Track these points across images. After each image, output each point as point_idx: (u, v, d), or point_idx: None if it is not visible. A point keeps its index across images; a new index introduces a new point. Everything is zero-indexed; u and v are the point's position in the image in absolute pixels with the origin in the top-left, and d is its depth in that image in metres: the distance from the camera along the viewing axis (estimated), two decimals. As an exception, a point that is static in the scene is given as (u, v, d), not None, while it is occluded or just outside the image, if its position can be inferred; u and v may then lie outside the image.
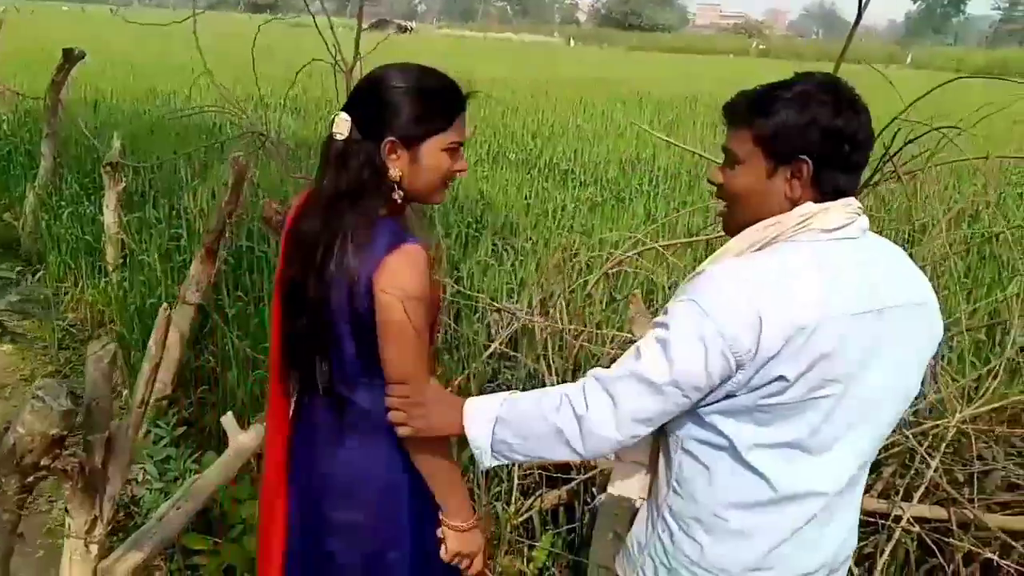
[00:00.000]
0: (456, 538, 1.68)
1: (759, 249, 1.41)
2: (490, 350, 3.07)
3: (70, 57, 6.16)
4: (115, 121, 8.27)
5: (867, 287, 1.38)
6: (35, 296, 5.15)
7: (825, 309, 1.33)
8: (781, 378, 1.33)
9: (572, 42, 68.04)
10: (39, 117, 6.85)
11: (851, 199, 1.41)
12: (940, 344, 1.53)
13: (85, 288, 4.90)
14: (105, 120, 8.41)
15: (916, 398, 1.59)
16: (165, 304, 1.99)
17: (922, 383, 2.54)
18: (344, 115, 1.55)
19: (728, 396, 1.38)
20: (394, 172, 1.54)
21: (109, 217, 4.86)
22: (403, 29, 68.26)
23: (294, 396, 1.75)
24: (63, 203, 5.61)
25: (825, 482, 1.43)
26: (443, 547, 1.69)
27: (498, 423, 1.50)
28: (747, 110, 1.43)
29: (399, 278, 1.50)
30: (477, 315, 3.53)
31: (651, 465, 1.61)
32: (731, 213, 1.49)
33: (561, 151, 9.22)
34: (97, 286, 4.80)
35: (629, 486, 1.64)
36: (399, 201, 1.57)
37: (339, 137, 1.54)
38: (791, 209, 1.41)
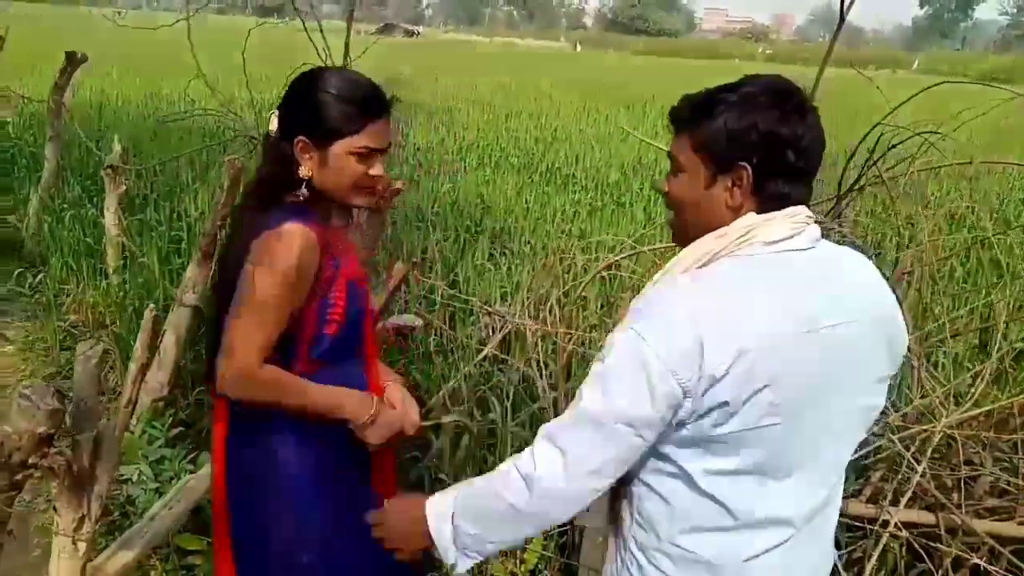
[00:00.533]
0: (372, 431, 1.71)
1: (703, 265, 1.33)
2: (482, 354, 3.08)
3: (73, 60, 6.20)
4: (119, 124, 8.32)
5: (816, 304, 1.29)
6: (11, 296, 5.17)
7: (769, 329, 1.24)
8: (725, 403, 1.24)
9: (578, 47, 68.14)
10: (44, 120, 6.89)
11: (799, 208, 1.33)
12: (905, 356, 1.45)
13: (86, 290, 4.93)
14: (109, 123, 8.46)
15: (897, 404, 1.57)
16: (151, 306, 2.00)
17: (908, 388, 2.55)
18: (275, 112, 1.64)
19: (680, 426, 1.29)
20: (304, 170, 1.61)
21: (109, 220, 4.88)
22: (410, 33, 68.48)
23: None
24: (65, 206, 5.65)
25: (787, 508, 1.35)
26: (370, 445, 1.73)
27: (456, 517, 1.42)
28: (689, 115, 1.37)
29: (263, 249, 1.56)
30: (472, 318, 3.54)
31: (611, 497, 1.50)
32: (678, 222, 1.42)
33: (563, 156, 9.24)
34: (98, 288, 4.82)
35: (593, 517, 1.61)
36: (302, 199, 1.62)
37: (271, 132, 1.65)
38: (734, 219, 1.33)
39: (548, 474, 1.32)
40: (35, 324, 4.93)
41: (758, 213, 1.32)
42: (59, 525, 1.88)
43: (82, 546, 1.91)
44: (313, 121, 1.59)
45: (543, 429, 1.37)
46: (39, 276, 5.05)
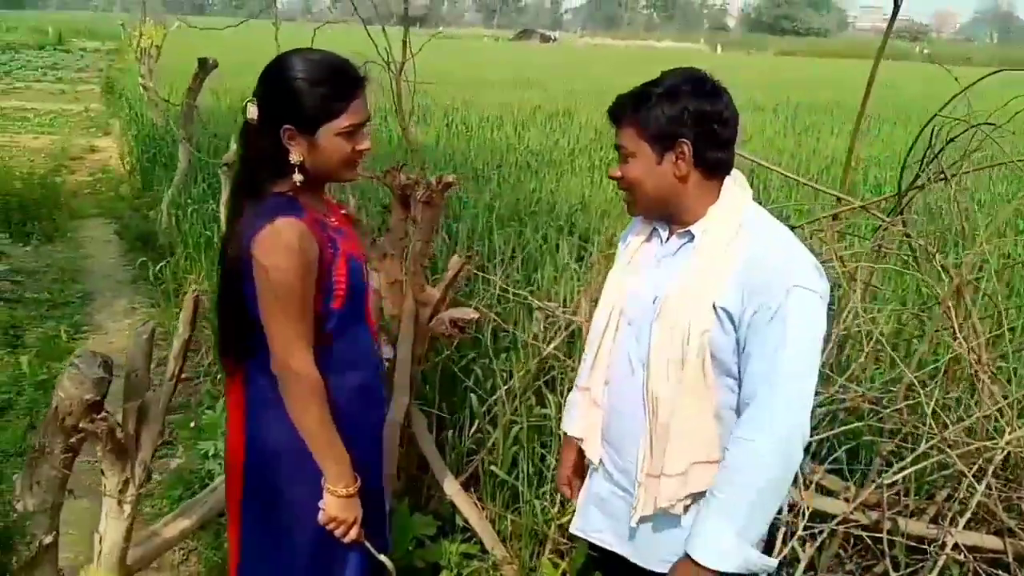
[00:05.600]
0: (335, 503, 1.75)
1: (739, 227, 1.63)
2: (544, 353, 3.08)
3: (204, 66, 6.69)
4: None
5: None
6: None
7: None
8: None
9: (719, 49, 66.52)
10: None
11: (737, 173, 1.70)
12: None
13: (204, 280, 5.29)
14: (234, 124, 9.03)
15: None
16: (193, 288, 2.14)
17: (972, 400, 2.36)
18: (253, 101, 1.68)
19: None
20: (295, 156, 1.67)
21: (224, 214, 5.22)
22: (546, 39, 69.00)
23: (242, 371, 1.84)
24: (190, 201, 6.07)
25: None
26: (321, 511, 1.76)
27: (743, 543, 1.56)
28: (627, 109, 1.66)
29: (266, 250, 1.63)
30: (545, 317, 3.53)
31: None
32: (636, 198, 1.71)
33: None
34: (212, 278, 5.17)
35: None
36: (299, 184, 1.68)
37: (251, 121, 1.69)
38: (683, 186, 1.65)
39: (799, 427, 1.56)
40: (158, 310, 5.34)
41: (705, 179, 1.66)
42: (106, 487, 2.04)
43: (127, 508, 2.06)
44: (297, 109, 1.65)
45: (773, 400, 1.55)
46: (160, 265, 5.44)
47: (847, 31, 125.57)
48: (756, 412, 1.57)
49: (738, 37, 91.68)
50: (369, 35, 2.97)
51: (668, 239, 1.73)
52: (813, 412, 1.88)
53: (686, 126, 1.61)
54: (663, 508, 1.68)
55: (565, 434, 1.99)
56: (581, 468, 1.99)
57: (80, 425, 1.91)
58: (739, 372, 1.63)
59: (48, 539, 1.93)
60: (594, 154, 9.01)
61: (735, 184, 1.70)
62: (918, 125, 2.24)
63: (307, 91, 1.64)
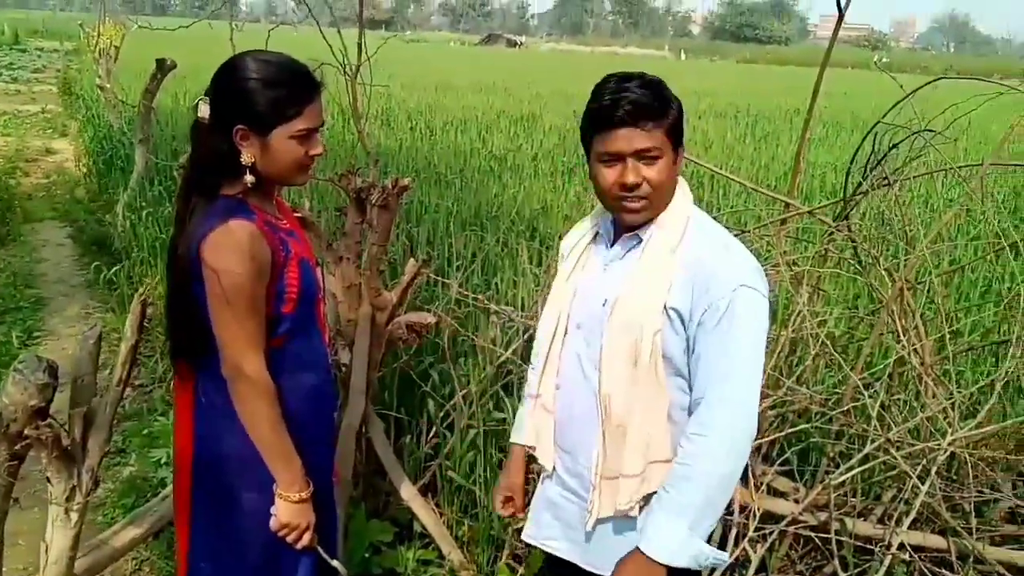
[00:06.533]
0: (287, 509, 1.75)
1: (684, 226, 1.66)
2: (502, 359, 3.09)
3: (162, 67, 6.60)
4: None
5: None
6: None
7: None
8: None
9: (683, 55, 67.21)
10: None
11: (680, 178, 1.72)
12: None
13: (159, 285, 5.21)
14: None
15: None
16: (140, 291, 2.11)
17: (916, 402, 2.41)
18: (205, 99, 1.67)
19: None
20: (246, 157, 1.65)
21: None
22: (512, 43, 69.17)
23: (193, 374, 1.82)
24: (145, 204, 5.98)
25: None
26: (273, 517, 1.75)
27: (693, 537, 1.58)
28: (659, 107, 1.59)
29: (216, 253, 1.61)
30: (503, 321, 3.54)
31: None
32: (651, 204, 1.64)
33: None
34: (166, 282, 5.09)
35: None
36: (249, 186, 1.67)
37: (202, 120, 1.67)
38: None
39: (749, 423, 1.58)
40: (112, 315, 5.25)
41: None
42: (52, 495, 2.00)
43: (74, 516, 2.02)
44: (251, 110, 1.63)
45: (723, 396, 1.57)
46: (114, 269, 5.35)
47: (808, 39, 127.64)
48: (708, 409, 1.59)
49: (702, 44, 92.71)
50: (324, 37, 2.96)
51: (614, 243, 1.75)
52: (764, 414, 1.92)
53: (681, 124, 1.64)
54: (621, 509, 1.69)
55: (513, 445, 1.99)
56: (526, 479, 2.00)
57: (25, 432, 1.88)
58: (689, 373, 1.66)
59: (-9, 548, 1.89)
60: (557, 159, 9.05)
61: (681, 187, 1.71)
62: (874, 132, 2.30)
63: (262, 92, 1.62)
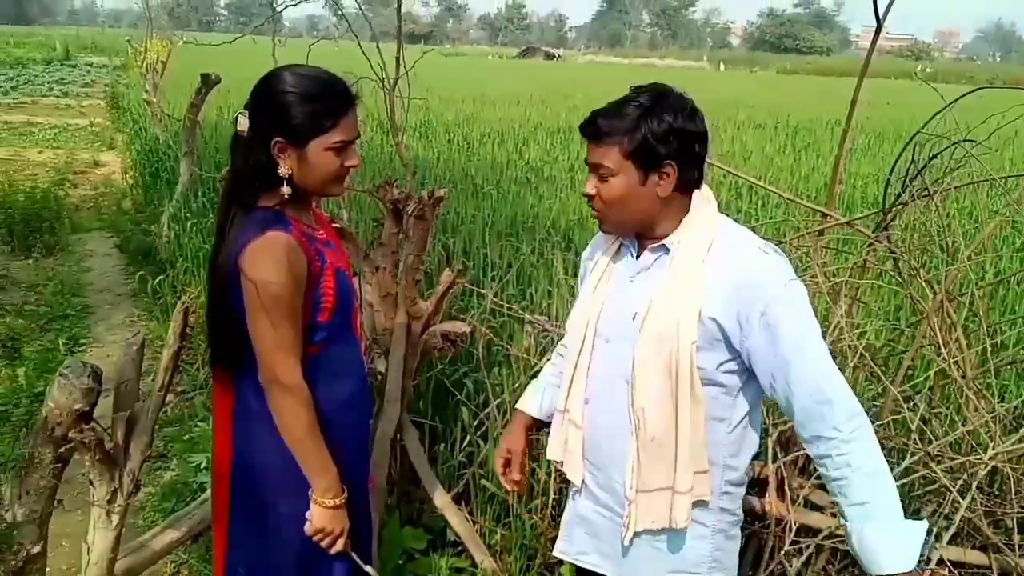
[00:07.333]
0: (321, 514, 1.76)
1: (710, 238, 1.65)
2: (536, 367, 3.09)
3: (207, 82, 6.75)
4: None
5: None
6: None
7: None
8: None
9: (722, 66, 66.80)
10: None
11: (704, 187, 1.71)
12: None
13: (202, 294, 5.32)
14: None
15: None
16: (183, 299, 2.16)
17: (956, 415, 2.37)
18: (244, 113, 1.70)
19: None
20: (283, 169, 1.68)
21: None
22: (550, 56, 69.43)
23: (232, 381, 1.85)
24: (189, 215, 6.11)
25: None
26: (307, 522, 1.77)
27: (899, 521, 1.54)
28: (609, 128, 1.61)
29: (254, 263, 1.64)
30: (537, 331, 3.55)
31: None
32: (608, 217, 1.69)
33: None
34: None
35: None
36: (286, 197, 1.70)
37: (241, 133, 1.71)
38: (663, 205, 1.65)
39: (859, 410, 1.56)
40: (156, 324, 5.36)
41: (681, 195, 1.67)
42: (94, 497, 2.05)
43: (115, 518, 2.07)
44: (288, 123, 1.67)
45: (828, 385, 1.56)
46: (158, 279, 5.47)
47: (850, 50, 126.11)
48: (822, 408, 1.55)
49: (741, 55, 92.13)
50: (363, 51, 3.01)
51: (640, 255, 1.74)
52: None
53: (672, 148, 1.60)
54: (679, 527, 1.67)
55: (517, 411, 2.06)
56: (528, 445, 2.04)
57: (69, 435, 1.93)
58: (738, 379, 1.66)
59: (36, 549, 1.94)
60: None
61: (703, 196, 1.71)
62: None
63: (299, 105, 1.66)
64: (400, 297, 2.83)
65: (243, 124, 1.70)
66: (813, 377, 1.56)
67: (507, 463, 2.04)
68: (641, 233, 1.72)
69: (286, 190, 1.70)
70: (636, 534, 1.72)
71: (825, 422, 1.55)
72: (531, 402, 2.05)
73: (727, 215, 1.75)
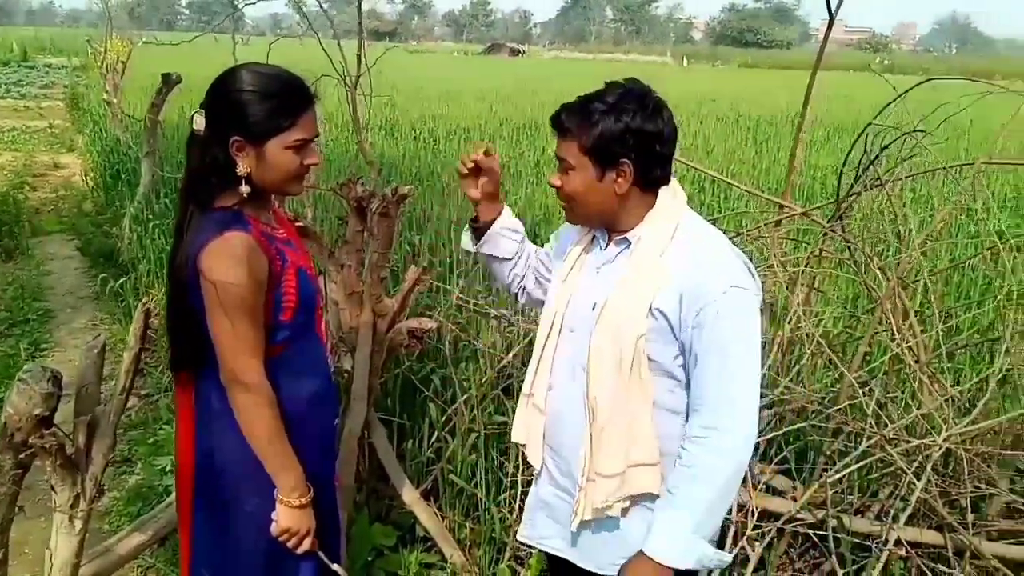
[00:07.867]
0: (288, 514, 1.77)
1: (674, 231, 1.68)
2: (503, 361, 3.12)
3: (168, 82, 6.66)
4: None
5: None
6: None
7: None
8: None
9: (686, 61, 67.26)
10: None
11: (673, 182, 1.73)
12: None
13: (165, 296, 5.25)
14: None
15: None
16: (144, 299, 2.14)
17: (911, 399, 2.43)
18: (200, 112, 1.69)
19: None
20: (242, 168, 1.68)
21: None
22: (515, 52, 69.41)
23: (193, 382, 1.85)
24: (151, 216, 6.03)
25: None
26: (274, 523, 1.77)
27: (698, 538, 1.61)
28: (571, 124, 1.65)
29: (213, 264, 1.64)
30: (503, 325, 3.57)
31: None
32: (572, 209, 1.74)
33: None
34: (171, 293, 5.13)
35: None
36: (245, 196, 1.69)
37: (198, 132, 1.69)
38: (622, 203, 1.68)
39: (750, 423, 1.59)
40: (119, 327, 5.29)
41: (642, 192, 1.68)
42: (56, 502, 2.03)
43: (78, 523, 2.04)
44: (246, 121, 1.66)
45: (725, 396, 1.60)
46: (120, 281, 5.39)
47: (809, 43, 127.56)
48: (709, 411, 1.61)
49: (704, 50, 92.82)
50: (323, 49, 3.00)
51: (607, 246, 1.77)
52: (761, 413, 1.93)
53: (628, 146, 1.62)
54: (598, 509, 1.71)
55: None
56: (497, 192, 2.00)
57: (29, 440, 1.91)
58: (685, 374, 1.68)
59: (-3, 555, 1.92)
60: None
61: (670, 191, 1.73)
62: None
63: (257, 103, 1.65)
64: (366, 295, 2.83)
65: (199, 123, 1.69)
66: (715, 392, 1.61)
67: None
68: (609, 226, 1.75)
69: (245, 189, 1.69)
70: (590, 520, 1.76)
71: (703, 420, 1.62)
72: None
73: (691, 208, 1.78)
